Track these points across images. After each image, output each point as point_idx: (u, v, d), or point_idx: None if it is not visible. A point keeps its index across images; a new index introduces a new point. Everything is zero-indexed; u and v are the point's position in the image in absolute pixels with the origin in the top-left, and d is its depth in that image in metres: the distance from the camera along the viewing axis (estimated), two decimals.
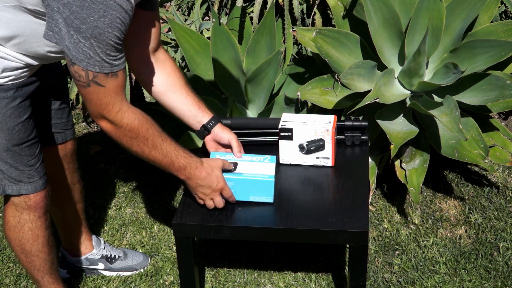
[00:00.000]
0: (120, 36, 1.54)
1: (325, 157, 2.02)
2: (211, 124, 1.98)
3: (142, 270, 2.45)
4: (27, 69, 1.77)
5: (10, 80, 1.74)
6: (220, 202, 1.84)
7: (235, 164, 1.90)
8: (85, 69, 1.55)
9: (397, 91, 2.55)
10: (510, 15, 3.28)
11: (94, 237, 2.43)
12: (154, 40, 1.91)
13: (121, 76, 1.61)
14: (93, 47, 1.52)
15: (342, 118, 2.47)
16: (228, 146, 1.99)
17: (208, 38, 2.81)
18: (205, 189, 1.81)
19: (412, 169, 2.58)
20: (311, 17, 2.99)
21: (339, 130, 2.13)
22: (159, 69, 1.94)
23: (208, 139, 2.01)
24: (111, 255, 2.42)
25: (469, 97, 2.53)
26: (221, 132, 1.98)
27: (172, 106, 1.97)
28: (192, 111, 1.97)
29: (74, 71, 1.57)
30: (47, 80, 1.91)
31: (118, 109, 1.63)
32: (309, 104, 2.60)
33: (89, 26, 1.49)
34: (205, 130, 1.99)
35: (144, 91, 3.08)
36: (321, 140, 2.00)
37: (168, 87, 1.95)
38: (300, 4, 3.04)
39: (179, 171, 1.78)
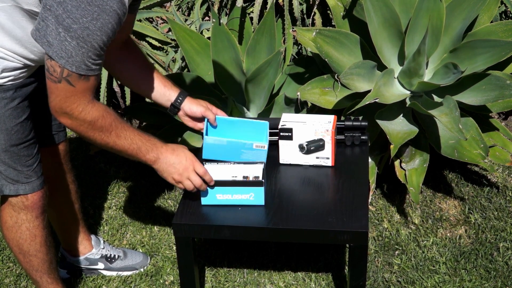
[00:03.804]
0: (107, 41, 1.55)
1: (325, 157, 2.02)
2: (179, 100, 1.98)
3: (142, 269, 2.45)
4: (25, 69, 1.77)
5: (9, 81, 1.75)
6: (197, 181, 1.82)
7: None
8: (62, 66, 1.55)
9: (397, 91, 2.55)
10: (510, 15, 3.28)
11: (93, 237, 2.43)
12: (125, 36, 1.95)
13: (92, 81, 1.61)
14: (78, 47, 1.53)
15: (342, 118, 2.47)
16: (203, 119, 2.01)
17: (208, 38, 2.81)
18: (176, 167, 1.80)
19: (412, 169, 2.58)
20: (311, 17, 2.99)
21: (339, 130, 2.13)
22: (126, 58, 1.97)
23: (181, 115, 2.01)
24: (110, 254, 2.42)
25: (469, 97, 2.53)
26: (191, 107, 1.98)
27: (141, 89, 2.00)
28: (158, 90, 1.98)
29: (50, 65, 1.57)
30: (44, 81, 1.91)
31: (82, 109, 1.63)
32: (309, 104, 2.61)
33: (80, 27, 1.50)
34: (175, 108, 1.99)
35: None
36: (321, 140, 2.00)
37: (135, 72, 1.97)
38: (300, 4, 3.04)
39: (147, 154, 1.77)
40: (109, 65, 1.99)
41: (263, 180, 1.85)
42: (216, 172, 1.88)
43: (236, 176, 1.87)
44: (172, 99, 1.99)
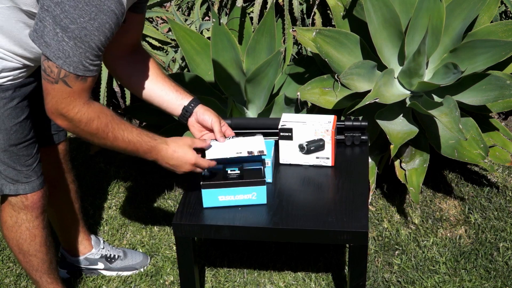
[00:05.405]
0: (105, 41, 1.54)
1: (325, 157, 2.02)
2: (192, 105, 1.95)
3: (142, 269, 2.45)
4: (25, 69, 1.77)
5: (8, 80, 1.75)
6: (204, 164, 1.82)
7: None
8: (59, 66, 1.55)
9: (397, 91, 2.55)
10: (510, 15, 3.28)
11: (93, 236, 2.43)
12: (136, 39, 1.93)
13: (90, 82, 1.60)
14: (75, 47, 1.52)
15: (342, 118, 2.47)
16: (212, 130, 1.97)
17: (208, 38, 2.81)
18: (179, 167, 1.81)
19: (412, 169, 2.58)
20: (311, 17, 3.00)
21: (339, 130, 2.13)
22: (136, 63, 1.94)
23: (191, 122, 1.97)
24: (110, 254, 2.42)
25: (469, 97, 2.53)
26: (203, 114, 1.95)
27: (150, 95, 1.95)
28: (170, 95, 1.95)
29: (47, 66, 1.56)
30: None
31: (78, 111, 1.62)
32: (309, 104, 2.60)
33: (78, 27, 1.49)
34: (187, 111, 1.95)
35: None
36: (321, 140, 2.00)
37: (144, 77, 1.94)
38: (300, 4, 3.04)
39: (146, 155, 1.77)
40: (118, 71, 1.95)
41: (265, 179, 1.85)
42: (220, 148, 1.86)
43: (240, 152, 1.85)
44: (184, 103, 1.95)
